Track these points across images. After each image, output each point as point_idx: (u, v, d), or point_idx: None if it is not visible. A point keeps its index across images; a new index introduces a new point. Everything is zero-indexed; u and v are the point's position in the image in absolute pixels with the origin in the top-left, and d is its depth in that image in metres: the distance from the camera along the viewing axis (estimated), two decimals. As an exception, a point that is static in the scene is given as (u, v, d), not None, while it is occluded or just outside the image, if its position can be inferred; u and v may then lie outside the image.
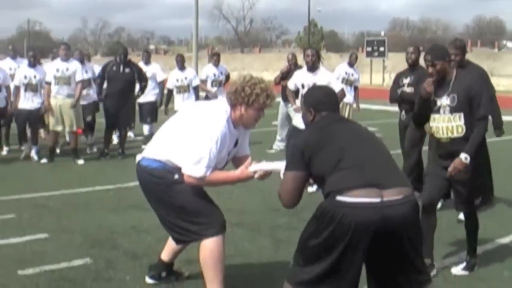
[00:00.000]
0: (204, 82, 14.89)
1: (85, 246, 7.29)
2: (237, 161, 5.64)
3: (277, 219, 8.35)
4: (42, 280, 6.21)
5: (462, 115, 6.16)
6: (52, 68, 12.83)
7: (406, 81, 9.69)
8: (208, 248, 5.27)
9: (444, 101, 6.21)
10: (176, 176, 5.29)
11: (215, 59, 15.28)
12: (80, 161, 12.92)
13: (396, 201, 4.05)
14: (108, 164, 12.84)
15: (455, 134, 6.20)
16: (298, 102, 10.37)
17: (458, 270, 6.57)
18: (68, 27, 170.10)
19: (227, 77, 15.43)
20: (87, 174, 11.83)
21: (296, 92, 10.58)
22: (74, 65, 12.91)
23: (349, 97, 14.28)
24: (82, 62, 13.74)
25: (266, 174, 5.31)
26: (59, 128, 12.84)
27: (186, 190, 5.29)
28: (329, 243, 4.06)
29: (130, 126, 14.20)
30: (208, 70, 15.19)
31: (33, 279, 6.23)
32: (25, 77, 12.87)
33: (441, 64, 6.17)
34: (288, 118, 13.38)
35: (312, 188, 9.54)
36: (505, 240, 7.73)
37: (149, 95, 14.69)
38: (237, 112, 5.31)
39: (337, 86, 10.05)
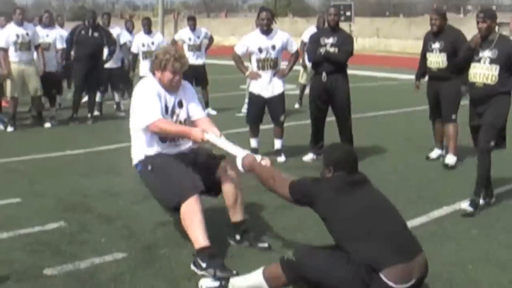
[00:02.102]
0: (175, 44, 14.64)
1: (58, 209, 7.30)
2: (196, 125, 6.19)
3: (247, 180, 8.40)
4: (17, 243, 6.22)
5: (498, 67, 7.56)
6: (10, 33, 12.52)
7: (328, 41, 9.61)
8: (183, 209, 5.72)
9: (486, 53, 7.62)
10: (149, 167, 6.02)
11: (191, 23, 15.04)
12: (47, 125, 12.89)
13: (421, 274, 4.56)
14: (77, 128, 12.79)
15: (489, 81, 7.59)
16: (250, 66, 10.14)
17: (465, 205, 7.47)
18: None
19: (210, 40, 15.44)
20: (57, 139, 11.77)
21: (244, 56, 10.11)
22: (31, 30, 12.79)
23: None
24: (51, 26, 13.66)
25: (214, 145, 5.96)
26: (17, 95, 12.71)
27: (159, 171, 5.96)
28: None
29: (100, 90, 14.07)
30: (183, 34, 15.08)
31: (8, 243, 6.24)
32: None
33: (490, 22, 7.60)
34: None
35: (281, 158, 9.67)
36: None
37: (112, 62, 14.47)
38: (157, 77, 6.07)
39: (294, 46, 9.96)
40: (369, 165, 9.46)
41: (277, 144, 9.94)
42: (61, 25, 15.04)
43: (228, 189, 6.19)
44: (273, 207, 7.34)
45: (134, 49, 14.20)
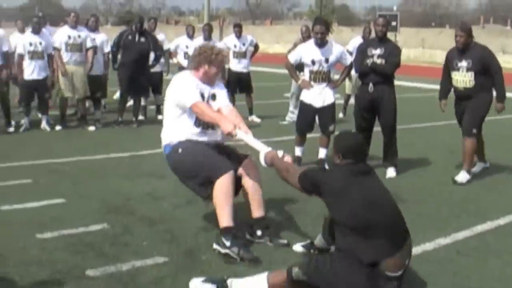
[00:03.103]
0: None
1: (101, 211, 7.38)
2: (222, 112, 6.62)
3: (288, 190, 8.38)
4: (60, 244, 6.30)
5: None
6: (63, 34, 12.84)
7: (375, 52, 9.54)
8: (217, 185, 6.11)
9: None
10: (180, 150, 6.43)
11: (237, 30, 15.02)
12: (91, 128, 13.02)
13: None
14: (122, 132, 12.89)
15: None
16: (301, 75, 10.13)
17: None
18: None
19: (256, 47, 15.43)
20: (102, 141, 11.89)
21: (300, 66, 10.10)
22: (84, 33, 13.03)
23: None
24: (96, 30, 13.81)
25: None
26: (70, 95, 12.95)
27: (189, 155, 6.37)
28: None
29: (145, 95, 14.18)
30: (229, 41, 15.08)
31: (52, 243, 6.32)
32: (30, 44, 12.63)
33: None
34: (300, 90, 13.30)
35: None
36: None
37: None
38: (200, 70, 6.56)
39: (348, 59, 9.92)
40: (413, 177, 9.44)
41: (322, 153, 9.88)
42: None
43: (250, 185, 6.46)
44: (291, 204, 7.53)
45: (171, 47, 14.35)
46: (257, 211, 6.47)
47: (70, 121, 13.68)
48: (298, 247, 6.31)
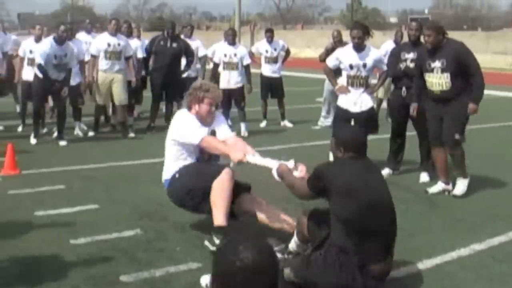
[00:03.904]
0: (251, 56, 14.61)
1: (134, 217, 7.41)
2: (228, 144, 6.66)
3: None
4: (94, 249, 6.34)
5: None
6: (102, 42, 12.87)
7: (409, 56, 9.52)
8: (215, 182, 6.25)
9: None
10: (177, 175, 6.65)
11: (269, 35, 14.93)
12: (131, 134, 13.04)
13: None
14: (154, 137, 12.91)
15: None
16: (340, 81, 10.07)
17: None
18: (111, 2, 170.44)
19: (287, 52, 15.39)
20: (134, 147, 11.97)
21: (337, 70, 10.17)
22: (123, 41, 13.03)
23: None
24: (129, 36, 13.86)
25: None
26: (104, 103, 13.02)
27: (185, 174, 6.57)
28: None
29: (178, 100, 14.21)
30: (261, 46, 15.04)
31: (85, 249, 6.36)
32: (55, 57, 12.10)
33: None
34: (333, 94, 13.24)
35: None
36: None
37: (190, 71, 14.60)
38: (192, 111, 6.65)
39: (384, 67, 9.87)
40: (447, 181, 9.33)
41: None
42: (138, 36, 15.14)
43: (265, 216, 6.49)
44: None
45: (216, 59, 13.88)
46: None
47: (103, 126, 13.74)
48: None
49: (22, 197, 8.28)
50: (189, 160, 6.63)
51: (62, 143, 11.96)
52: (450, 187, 8.87)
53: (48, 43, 11.70)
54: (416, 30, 9.59)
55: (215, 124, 6.78)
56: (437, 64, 8.45)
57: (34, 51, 12.26)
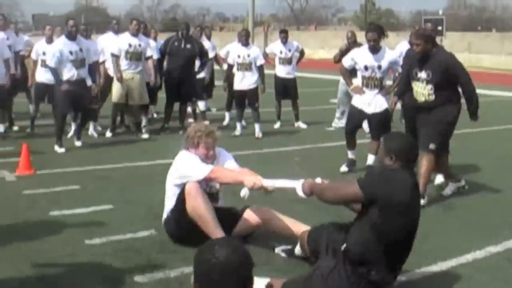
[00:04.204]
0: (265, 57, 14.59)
1: (149, 218, 7.40)
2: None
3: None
4: (108, 249, 6.35)
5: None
6: (123, 42, 12.92)
7: None
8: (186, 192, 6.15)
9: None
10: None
11: (283, 36, 14.90)
12: (145, 136, 13.05)
13: None
14: (168, 138, 12.93)
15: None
16: (355, 81, 10.10)
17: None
18: (125, 3, 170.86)
19: (301, 53, 15.40)
20: (148, 148, 11.99)
21: (353, 71, 10.25)
22: (144, 42, 13.10)
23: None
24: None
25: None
26: (122, 101, 13.01)
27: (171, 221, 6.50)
28: None
29: (191, 101, 14.21)
30: (275, 47, 15.01)
31: (100, 249, 6.37)
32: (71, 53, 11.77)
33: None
34: (347, 96, 13.24)
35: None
36: None
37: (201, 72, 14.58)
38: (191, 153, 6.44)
39: (399, 68, 9.84)
40: (461, 183, 9.29)
41: (371, 159, 9.83)
42: (155, 38, 15.14)
43: (272, 226, 6.43)
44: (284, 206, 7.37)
45: (230, 60, 13.79)
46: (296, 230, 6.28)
47: (117, 127, 13.76)
48: (279, 251, 6.28)
49: (37, 197, 8.31)
50: None
51: (78, 143, 11.93)
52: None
53: (60, 41, 11.68)
54: (431, 31, 9.56)
55: (220, 162, 6.61)
56: (423, 74, 8.32)
57: (46, 53, 12.21)
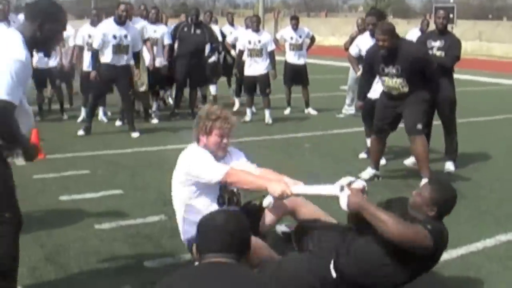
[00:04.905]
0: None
1: (159, 203, 7.41)
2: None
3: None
4: (118, 234, 6.36)
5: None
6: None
7: (435, 44, 9.39)
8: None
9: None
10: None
11: (294, 22, 14.88)
12: (154, 121, 13.11)
13: None
14: (178, 124, 12.92)
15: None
16: (361, 67, 10.06)
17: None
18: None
19: (312, 40, 15.37)
20: (158, 133, 11.99)
21: (359, 58, 10.26)
22: (162, 28, 13.17)
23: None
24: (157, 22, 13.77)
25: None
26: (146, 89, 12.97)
27: None
28: None
29: (201, 86, 14.19)
30: (285, 33, 14.99)
31: (110, 233, 6.39)
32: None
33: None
34: (357, 83, 13.18)
35: (383, 161, 9.46)
36: None
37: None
38: (201, 143, 5.42)
39: None
40: (473, 172, 9.30)
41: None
42: (165, 23, 15.08)
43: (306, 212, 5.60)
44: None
45: (240, 46, 13.77)
46: None
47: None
48: (279, 231, 6.11)
49: (47, 181, 8.32)
50: (206, 201, 5.33)
51: (135, 134, 11.67)
52: (378, 172, 8.88)
53: (106, 23, 11.72)
54: (443, 19, 9.50)
55: (231, 161, 5.53)
56: (391, 70, 8.14)
57: (92, 36, 12.15)
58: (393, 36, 7.99)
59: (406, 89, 8.18)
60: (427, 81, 8.27)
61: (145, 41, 12.75)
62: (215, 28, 15.19)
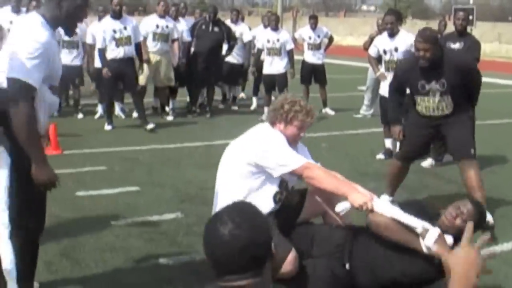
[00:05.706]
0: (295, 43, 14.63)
1: (175, 200, 7.41)
2: None
3: (365, 183, 8.29)
4: (134, 231, 6.36)
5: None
6: (150, 24, 12.89)
7: (455, 46, 9.32)
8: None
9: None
10: None
11: (313, 22, 14.81)
12: (170, 117, 13.12)
13: None
14: (195, 121, 12.93)
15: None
16: (381, 68, 10.15)
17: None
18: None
19: (330, 39, 15.36)
20: (176, 130, 11.99)
21: (379, 59, 10.28)
22: (171, 23, 13.10)
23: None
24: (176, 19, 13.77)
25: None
26: (145, 83, 12.96)
27: None
28: None
29: (218, 85, 14.20)
30: (304, 33, 14.92)
31: (126, 230, 6.39)
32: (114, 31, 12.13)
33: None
34: (376, 83, 13.15)
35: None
36: None
37: (237, 57, 14.60)
38: (277, 129, 5.02)
39: None
40: (489, 174, 9.22)
41: (388, 143, 9.88)
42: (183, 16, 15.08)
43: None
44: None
45: (259, 45, 13.74)
46: None
47: (146, 109, 13.77)
48: None
49: (64, 177, 8.22)
50: (266, 197, 4.89)
51: (150, 126, 11.77)
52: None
53: (104, 21, 11.98)
54: (463, 20, 9.45)
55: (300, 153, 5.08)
56: (433, 85, 6.76)
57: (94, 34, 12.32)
58: (437, 45, 6.63)
59: (449, 110, 6.86)
60: (470, 97, 7.09)
61: (172, 41, 12.96)
62: (243, 27, 15.13)
